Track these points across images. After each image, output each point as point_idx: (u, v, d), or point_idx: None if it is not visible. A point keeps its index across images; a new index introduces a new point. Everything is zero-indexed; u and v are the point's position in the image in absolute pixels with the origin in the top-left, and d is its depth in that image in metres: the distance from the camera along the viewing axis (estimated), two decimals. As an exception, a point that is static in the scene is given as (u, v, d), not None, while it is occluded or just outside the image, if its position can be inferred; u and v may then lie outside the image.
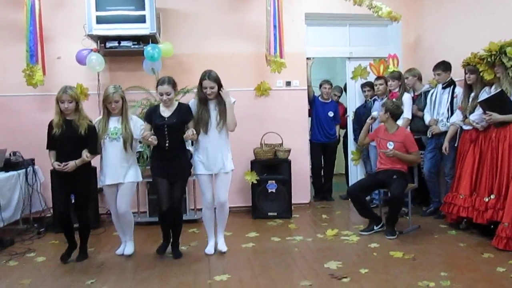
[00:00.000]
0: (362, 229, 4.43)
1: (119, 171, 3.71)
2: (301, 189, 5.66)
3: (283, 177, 5.20)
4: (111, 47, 4.92)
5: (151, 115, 3.74)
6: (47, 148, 3.64)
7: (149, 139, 3.54)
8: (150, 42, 4.94)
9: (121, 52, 5.03)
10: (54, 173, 3.83)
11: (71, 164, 3.54)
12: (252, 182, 5.15)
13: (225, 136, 3.80)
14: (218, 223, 3.95)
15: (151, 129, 3.70)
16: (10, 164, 4.63)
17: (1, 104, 5.12)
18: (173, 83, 3.70)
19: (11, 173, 4.52)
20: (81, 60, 4.94)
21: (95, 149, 3.67)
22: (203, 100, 3.74)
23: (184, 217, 4.91)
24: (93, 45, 4.99)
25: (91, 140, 3.63)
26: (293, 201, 5.27)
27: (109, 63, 5.18)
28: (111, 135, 3.67)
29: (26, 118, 5.12)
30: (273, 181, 5.16)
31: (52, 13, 5.13)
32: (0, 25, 5.15)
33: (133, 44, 4.92)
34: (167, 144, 3.65)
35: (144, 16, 4.80)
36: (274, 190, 5.16)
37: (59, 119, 3.59)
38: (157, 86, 3.69)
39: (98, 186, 3.88)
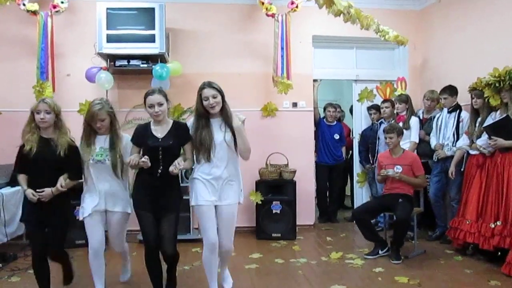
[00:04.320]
0: (367, 252, 4.39)
1: (106, 198, 3.12)
2: (306, 210, 5.63)
3: (288, 198, 5.18)
4: (120, 66, 4.99)
5: (141, 136, 3.09)
6: (14, 171, 3.17)
7: (141, 162, 2.90)
8: (159, 61, 5.00)
9: (130, 70, 5.09)
10: (26, 202, 3.07)
11: (47, 192, 2.95)
12: (257, 203, 5.13)
13: (235, 165, 3.16)
14: (221, 260, 3.30)
15: (139, 153, 3.08)
16: (16, 179, 4.63)
17: (10, 119, 5.15)
18: (164, 94, 3.09)
19: (17, 188, 4.52)
20: (90, 78, 5.00)
21: (77, 174, 3.11)
22: (203, 117, 3.07)
23: (187, 237, 4.91)
24: (103, 63, 5.06)
25: (73, 162, 3.05)
26: (297, 223, 5.24)
27: (118, 81, 5.23)
28: (96, 156, 3.07)
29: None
30: (278, 202, 5.13)
31: (64, 30, 5.22)
32: (13, 41, 5.25)
33: (142, 63, 4.99)
34: (160, 171, 2.99)
35: (153, 35, 4.87)
36: (278, 211, 5.13)
37: (33, 135, 3.01)
38: (145, 99, 3.07)
39: (79, 218, 3.17)
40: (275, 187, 5.27)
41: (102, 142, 3.11)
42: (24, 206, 3.10)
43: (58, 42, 5.11)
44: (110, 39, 4.84)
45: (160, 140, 3.03)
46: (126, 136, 3.18)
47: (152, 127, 3.08)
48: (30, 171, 3.04)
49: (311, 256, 4.40)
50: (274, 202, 5.14)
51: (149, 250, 3.04)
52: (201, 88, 3.05)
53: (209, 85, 3.04)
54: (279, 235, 5.10)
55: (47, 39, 4.93)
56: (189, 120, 3.20)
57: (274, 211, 5.12)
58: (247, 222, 5.42)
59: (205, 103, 3.01)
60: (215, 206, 3.08)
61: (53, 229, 3.04)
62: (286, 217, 5.13)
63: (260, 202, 5.12)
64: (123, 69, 5.04)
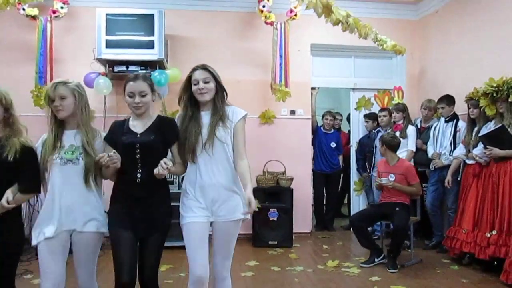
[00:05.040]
0: (363, 261, 4.38)
1: (75, 214, 2.30)
2: (303, 218, 5.63)
3: (284, 206, 5.17)
4: (119, 71, 5.00)
5: (116, 133, 2.44)
6: None
7: (109, 158, 2.23)
8: (158, 67, 5.02)
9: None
10: None
11: None
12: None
13: (231, 170, 2.45)
14: None
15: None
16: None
17: (7, 124, 5.16)
18: (150, 83, 2.45)
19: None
20: (89, 83, 5.00)
21: (31, 185, 2.32)
22: (191, 106, 2.47)
23: (183, 243, 4.87)
24: (102, 69, 5.07)
25: (26, 169, 2.28)
26: (294, 230, 5.23)
27: (116, 87, 5.23)
28: (65, 154, 2.32)
29: (31, 137, 5.14)
30: (275, 209, 5.13)
31: (63, 36, 5.24)
32: (12, 46, 5.26)
33: (141, 69, 4.99)
34: (139, 175, 2.34)
35: (152, 41, 4.90)
36: (275, 219, 5.12)
37: None
38: (125, 86, 2.44)
39: (32, 244, 2.32)
40: (272, 194, 5.26)
41: (71, 138, 2.37)
42: None
43: (57, 47, 5.13)
44: (109, 45, 4.86)
45: (138, 135, 2.39)
46: (102, 134, 2.51)
47: (131, 122, 2.47)
48: None
49: (308, 264, 4.39)
50: (271, 210, 5.13)
51: (119, 286, 2.28)
52: (192, 70, 2.47)
53: (203, 67, 2.45)
54: (276, 242, 5.09)
55: (46, 44, 4.95)
56: (176, 116, 2.61)
57: (271, 219, 5.11)
58: (244, 229, 5.37)
59: (193, 87, 2.42)
60: (211, 223, 2.44)
61: None
62: (283, 225, 5.12)
63: (257, 209, 5.10)
64: (122, 74, 5.04)
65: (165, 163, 2.27)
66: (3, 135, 2.32)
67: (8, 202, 2.19)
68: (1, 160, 2.22)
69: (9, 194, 2.21)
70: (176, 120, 2.55)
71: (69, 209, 2.31)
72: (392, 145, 4.52)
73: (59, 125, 2.39)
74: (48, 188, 2.35)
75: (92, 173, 2.33)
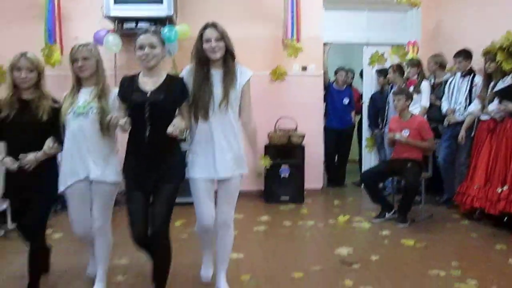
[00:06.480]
0: (374, 216, 4.44)
1: (88, 162, 2.57)
2: (314, 174, 5.67)
3: (296, 162, 5.21)
4: (128, 29, 4.94)
5: (126, 89, 2.51)
6: None
7: (120, 122, 2.33)
8: (167, 23, 4.94)
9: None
10: (7, 176, 2.65)
11: (30, 158, 2.50)
12: (265, 166, 5.17)
13: (234, 122, 2.58)
14: (218, 256, 2.70)
15: (126, 112, 2.49)
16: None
17: (20, 83, 5.19)
18: (160, 38, 2.52)
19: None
20: (98, 41, 4.96)
21: (62, 140, 2.64)
22: (203, 64, 2.52)
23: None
24: (111, 26, 5.01)
25: (58, 125, 2.61)
26: (305, 186, 5.30)
27: (126, 44, 5.16)
28: (78, 109, 2.56)
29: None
30: (287, 166, 5.17)
31: (71, -8, 5.16)
32: (20, 5, 5.20)
33: (151, 25, 4.92)
34: (147, 135, 2.41)
35: (161, -3, 4.80)
36: (287, 175, 5.18)
37: (11, 96, 2.56)
38: (135, 41, 2.51)
39: (60, 190, 2.66)
40: (284, 151, 5.29)
41: (87, 95, 2.60)
42: (5, 180, 2.69)
43: (65, 5, 5.06)
44: (118, 1, 4.78)
45: (148, 94, 2.43)
46: (115, 91, 2.62)
47: (140, 79, 2.51)
48: (7, 138, 2.60)
49: (319, 219, 4.47)
50: (282, 166, 5.18)
51: (134, 241, 2.47)
52: (204, 28, 2.54)
53: (214, 25, 2.53)
54: (287, 198, 5.16)
55: (54, 2, 4.88)
56: (183, 71, 2.63)
57: (282, 175, 5.17)
58: (256, 185, 5.48)
59: (205, 45, 2.49)
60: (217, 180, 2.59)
61: (32, 208, 2.58)
62: (295, 181, 5.18)
63: (268, 166, 5.16)
64: (131, 32, 4.97)
65: (179, 123, 2.36)
66: (34, 97, 2.60)
67: (50, 147, 2.55)
68: (37, 120, 2.55)
69: (50, 141, 2.57)
70: (184, 71, 2.61)
71: (83, 156, 2.56)
72: (411, 95, 4.52)
73: (77, 84, 2.64)
74: (65, 141, 2.61)
75: (105, 126, 2.50)
